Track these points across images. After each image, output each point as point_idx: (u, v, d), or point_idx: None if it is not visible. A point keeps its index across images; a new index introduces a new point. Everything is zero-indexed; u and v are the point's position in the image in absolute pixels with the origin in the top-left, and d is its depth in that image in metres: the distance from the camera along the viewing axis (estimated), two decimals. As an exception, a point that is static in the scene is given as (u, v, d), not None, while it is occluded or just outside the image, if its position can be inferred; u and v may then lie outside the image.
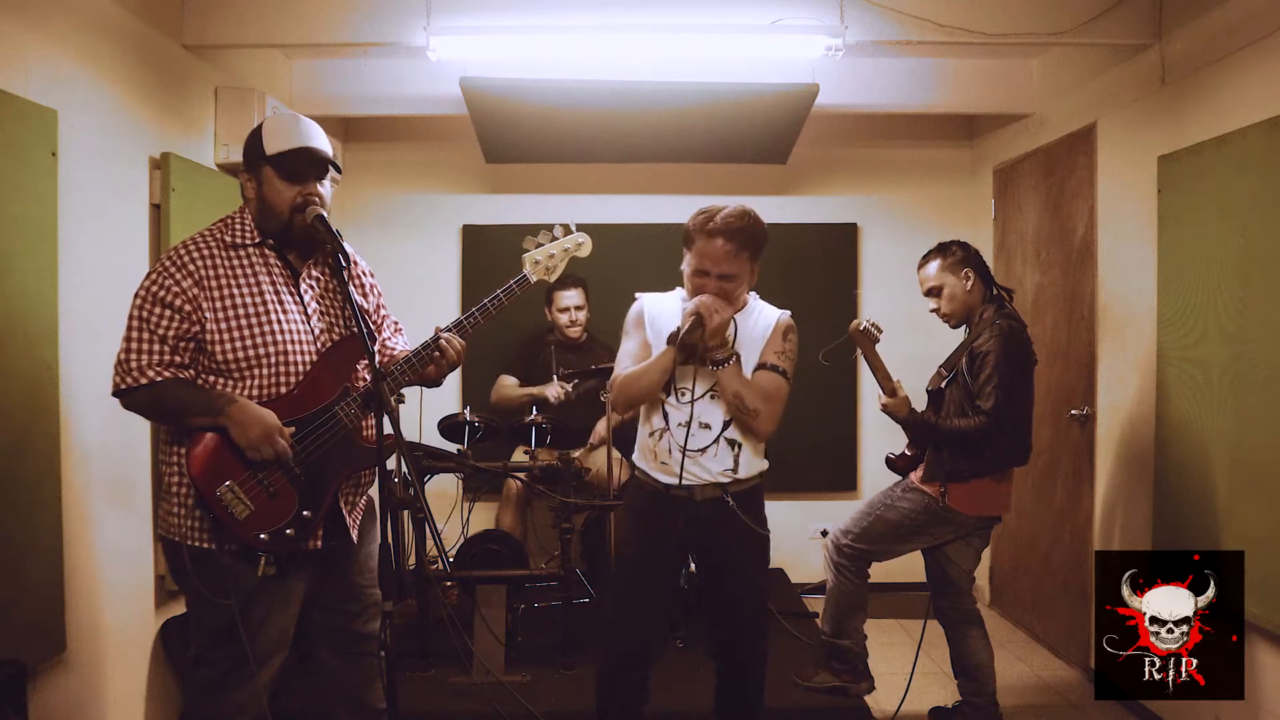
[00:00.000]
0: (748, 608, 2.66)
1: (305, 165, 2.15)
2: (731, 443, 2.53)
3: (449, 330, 2.29)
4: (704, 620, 2.76)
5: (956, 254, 3.22)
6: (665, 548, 2.60)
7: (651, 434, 2.58)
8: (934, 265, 3.24)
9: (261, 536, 2.06)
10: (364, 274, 2.41)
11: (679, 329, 2.44)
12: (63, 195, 2.61)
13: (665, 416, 2.55)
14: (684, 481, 2.51)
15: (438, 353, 2.26)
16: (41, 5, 2.56)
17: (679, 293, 2.64)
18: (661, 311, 2.62)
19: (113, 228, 2.91)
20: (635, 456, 2.68)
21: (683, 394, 2.53)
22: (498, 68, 3.96)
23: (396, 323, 2.52)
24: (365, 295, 2.38)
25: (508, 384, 4.56)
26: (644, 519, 2.64)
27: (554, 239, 2.47)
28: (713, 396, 2.53)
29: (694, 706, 3.19)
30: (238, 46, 3.60)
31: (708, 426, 2.52)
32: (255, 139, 2.17)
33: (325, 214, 2.17)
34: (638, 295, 2.70)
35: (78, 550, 2.69)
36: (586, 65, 3.94)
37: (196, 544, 2.10)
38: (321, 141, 2.19)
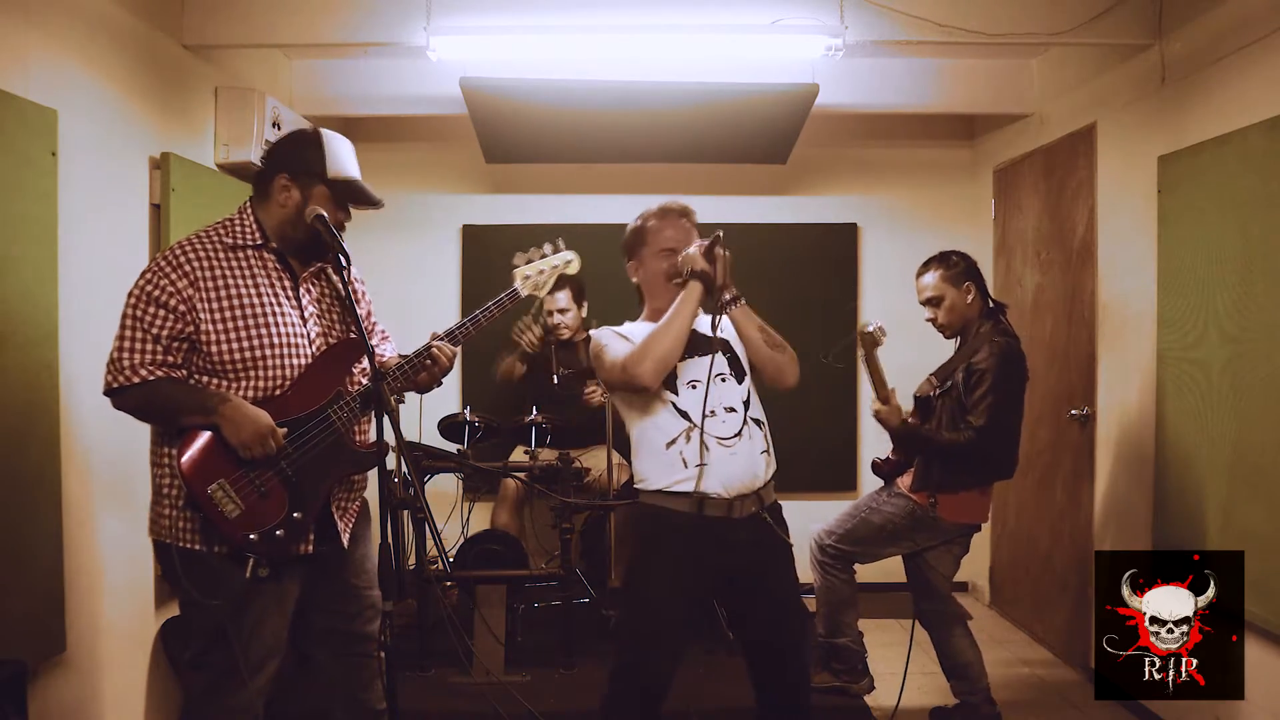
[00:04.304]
0: (796, 623, 2.51)
1: (358, 197, 2.22)
2: (758, 421, 2.45)
3: (442, 338, 2.31)
4: (743, 652, 2.54)
5: (958, 265, 3.22)
6: (698, 588, 2.39)
7: (670, 442, 2.38)
8: (934, 275, 3.24)
9: (251, 537, 2.05)
10: (355, 280, 2.41)
11: (698, 252, 2.38)
12: (63, 195, 2.61)
13: (683, 415, 2.38)
14: (721, 487, 2.32)
15: (429, 360, 2.28)
16: (41, 5, 2.56)
17: (632, 323, 2.56)
18: (629, 331, 2.51)
19: (113, 228, 2.91)
20: (648, 481, 2.42)
21: (694, 385, 2.42)
22: (498, 68, 3.96)
23: (384, 331, 2.53)
24: (358, 301, 2.38)
25: (506, 359, 4.59)
26: (671, 557, 2.38)
27: (544, 255, 2.52)
28: (723, 379, 2.43)
29: (708, 705, 3.19)
30: (238, 46, 3.60)
31: (733, 410, 2.40)
32: (314, 153, 2.17)
33: (326, 214, 2.18)
34: (591, 332, 2.59)
35: (78, 550, 2.69)
36: (586, 65, 3.94)
37: (187, 545, 2.09)
38: None
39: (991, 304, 3.24)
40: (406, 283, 4.96)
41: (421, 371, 2.29)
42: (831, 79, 4.10)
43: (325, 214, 2.17)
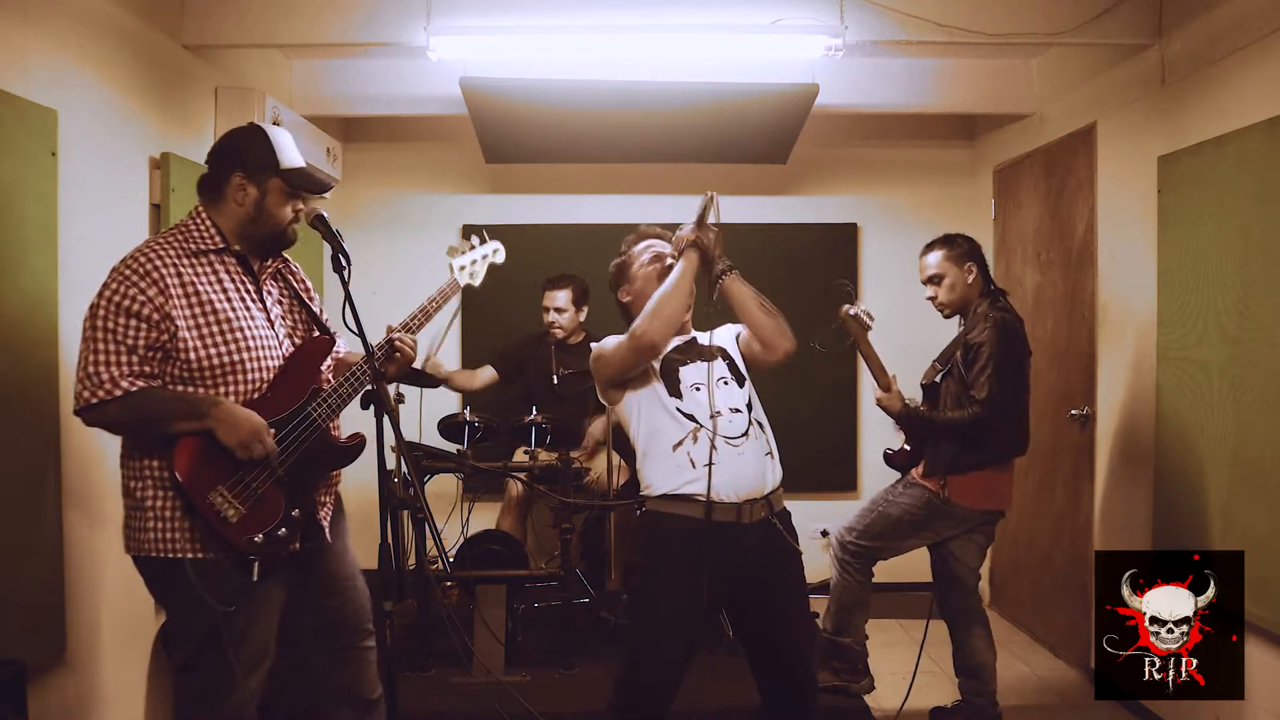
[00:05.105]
0: (803, 631, 2.52)
1: (312, 184, 2.21)
2: (761, 424, 2.47)
3: (398, 330, 2.35)
4: (747, 656, 2.54)
5: (961, 246, 3.25)
6: (706, 595, 2.34)
7: (677, 444, 2.37)
8: (938, 255, 3.27)
9: (256, 539, 2.05)
10: (303, 279, 2.42)
11: (691, 228, 2.45)
12: (63, 195, 2.61)
13: (688, 417, 2.39)
14: (730, 491, 2.32)
15: (396, 353, 2.31)
16: (41, 5, 2.56)
17: None
18: None
19: (113, 228, 2.90)
20: (655, 486, 2.40)
21: (697, 388, 2.45)
22: (498, 68, 3.96)
23: (335, 333, 2.53)
24: (310, 300, 2.40)
25: (474, 372, 4.64)
26: (679, 563, 2.34)
27: (472, 248, 2.71)
28: (725, 383, 2.47)
29: (708, 705, 3.18)
30: (238, 46, 3.60)
31: (737, 410, 2.43)
32: (262, 147, 2.15)
33: (325, 214, 2.21)
34: (592, 344, 2.66)
35: (77, 551, 2.69)
36: (586, 65, 3.93)
37: (178, 555, 2.06)
38: None
39: (992, 286, 3.26)
40: (407, 282, 4.94)
41: (389, 364, 2.31)
42: (831, 79, 4.10)
43: (325, 214, 2.21)
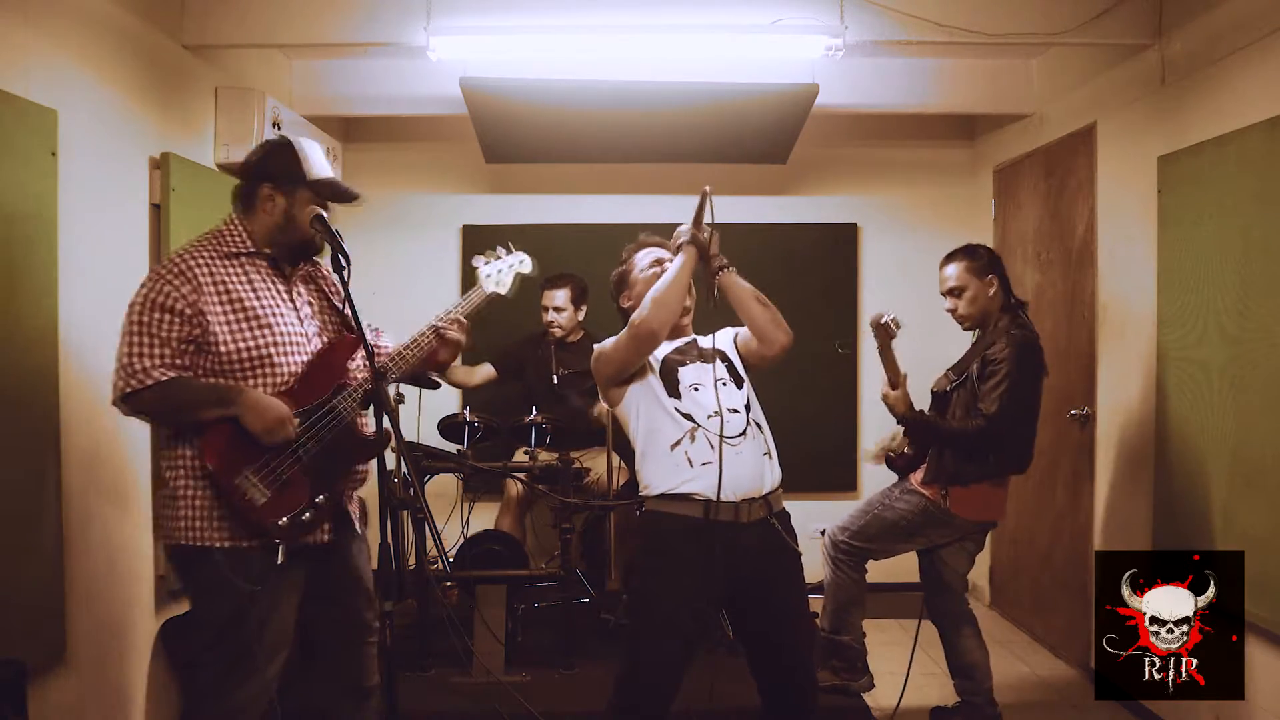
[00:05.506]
0: (803, 631, 2.52)
1: (339, 194, 2.30)
2: (759, 425, 2.48)
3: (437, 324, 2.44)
4: (747, 657, 2.54)
5: (983, 258, 3.23)
6: (705, 594, 2.38)
7: (675, 444, 2.39)
8: (958, 266, 3.24)
9: (280, 522, 2.13)
10: (335, 284, 2.45)
11: (689, 227, 2.50)
12: (63, 195, 2.61)
13: (686, 417, 2.41)
14: (728, 490, 2.32)
15: (442, 338, 2.40)
16: (41, 5, 2.56)
17: None
18: None
19: (113, 228, 2.91)
20: (653, 486, 2.41)
21: (696, 388, 2.46)
22: (498, 68, 3.96)
23: (376, 328, 2.59)
24: (341, 303, 2.42)
25: (473, 369, 4.62)
26: (678, 563, 2.36)
27: (499, 257, 2.69)
28: (723, 384, 2.49)
29: (709, 705, 3.18)
30: (238, 46, 3.60)
31: (735, 410, 2.44)
32: (291, 159, 2.24)
33: (325, 214, 2.25)
34: (595, 346, 2.65)
35: (78, 550, 2.69)
36: (586, 65, 3.94)
37: (206, 544, 2.13)
38: None
39: (1012, 300, 3.25)
40: (406, 283, 4.96)
41: (443, 350, 2.42)
42: (831, 79, 4.10)
43: (324, 214, 2.25)
